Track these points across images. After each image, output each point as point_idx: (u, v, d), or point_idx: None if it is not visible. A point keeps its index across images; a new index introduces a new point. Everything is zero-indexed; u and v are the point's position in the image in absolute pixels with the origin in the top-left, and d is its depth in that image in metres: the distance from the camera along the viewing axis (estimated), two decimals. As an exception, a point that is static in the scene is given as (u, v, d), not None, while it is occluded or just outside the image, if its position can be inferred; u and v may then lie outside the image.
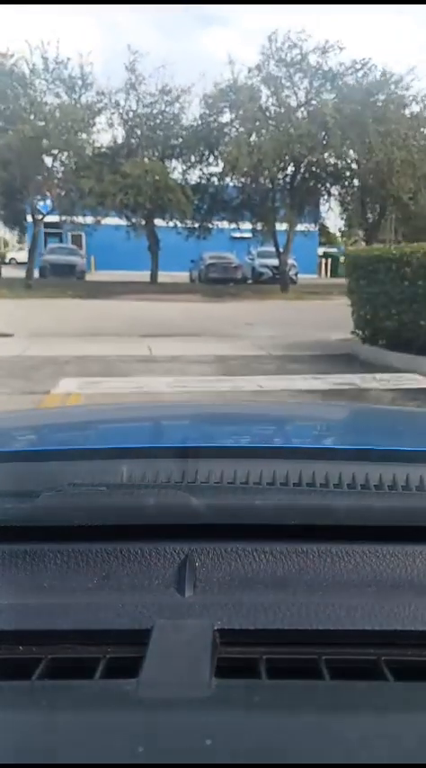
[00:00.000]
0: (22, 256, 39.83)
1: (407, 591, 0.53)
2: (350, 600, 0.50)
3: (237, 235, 25.18)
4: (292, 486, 0.65)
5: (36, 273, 19.90)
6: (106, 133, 17.67)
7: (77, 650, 0.45)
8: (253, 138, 16.26)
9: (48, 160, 17.08)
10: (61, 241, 28.70)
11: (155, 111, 17.70)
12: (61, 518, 0.58)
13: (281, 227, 18.72)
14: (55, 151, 16.65)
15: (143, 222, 18.43)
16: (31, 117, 14.91)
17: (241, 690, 0.40)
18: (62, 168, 17.12)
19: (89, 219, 18.20)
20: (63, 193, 16.88)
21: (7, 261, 37.75)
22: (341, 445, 0.97)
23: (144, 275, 21.32)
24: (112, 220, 18.99)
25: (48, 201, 18.06)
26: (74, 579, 0.53)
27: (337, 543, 0.56)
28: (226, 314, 12.78)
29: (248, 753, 0.35)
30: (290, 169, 17.71)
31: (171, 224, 19.68)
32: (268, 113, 16.83)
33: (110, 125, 17.15)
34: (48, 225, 27.41)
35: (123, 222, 19.64)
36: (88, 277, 23.03)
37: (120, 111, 17.41)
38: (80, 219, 18.45)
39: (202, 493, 0.60)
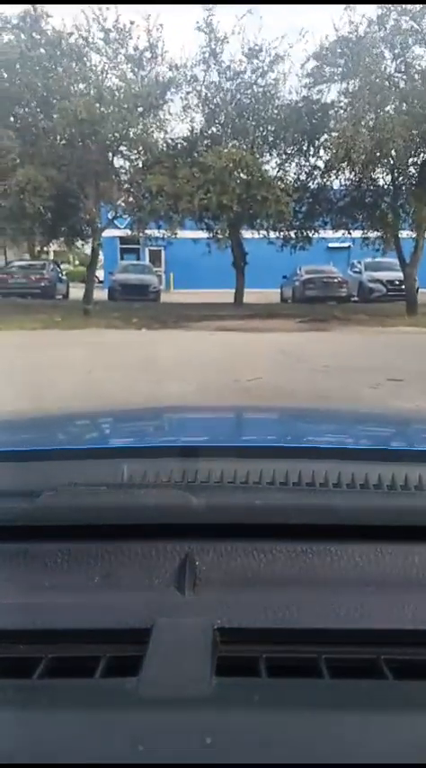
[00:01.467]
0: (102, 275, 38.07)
1: (407, 590, 0.53)
2: (350, 599, 0.50)
3: (335, 245, 20.90)
4: (292, 486, 0.65)
5: (105, 295, 16.84)
6: (181, 122, 13.97)
7: (78, 649, 0.45)
8: (371, 116, 11.90)
9: (117, 161, 13.62)
10: (138, 258, 25.62)
11: (241, 84, 13.32)
12: (61, 518, 0.58)
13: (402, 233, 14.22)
14: (122, 148, 13.16)
15: (227, 232, 14.38)
16: (91, 101, 11.40)
17: (241, 688, 0.40)
18: (128, 165, 13.53)
19: (163, 232, 14.39)
20: (129, 198, 13.26)
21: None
22: (341, 445, 0.96)
23: (226, 294, 17.59)
24: (190, 233, 15.20)
25: (113, 211, 14.64)
26: (74, 578, 0.53)
27: (337, 543, 0.57)
28: (343, 353, 8.64)
29: (248, 751, 0.35)
30: (423, 156, 13.11)
31: (260, 234, 15.66)
32: (393, 82, 12.42)
33: (186, 107, 13.29)
34: (124, 240, 24.49)
35: (203, 234, 15.97)
36: (164, 297, 19.59)
37: (199, 87, 13.41)
38: (155, 232, 14.70)
39: (202, 492, 0.60)
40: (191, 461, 0.71)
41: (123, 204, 13.88)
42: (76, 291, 21.40)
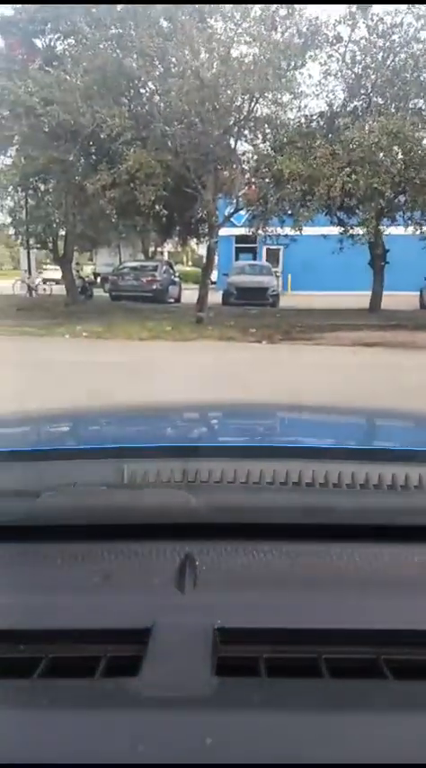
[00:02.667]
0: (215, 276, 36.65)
1: (407, 590, 0.53)
2: (350, 599, 0.50)
3: None
4: (292, 486, 0.65)
5: (218, 297, 15.10)
6: (316, 97, 11.62)
7: (78, 649, 0.45)
8: None
9: (239, 147, 11.63)
10: (255, 258, 23.62)
11: (395, 43, 10.64)
12: (61, 518, 0.58)
13: None
14: (246, 132, 11.14)
15: (372, 224, 11.68)
16: (217, 73, 9.48)
17: (241, 688, 0.40)
18: (251, 150, 11.47)
19: (288, 229, 12.17)
20: (251, 189, 11.21)
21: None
22: (341, 445, 0.96)
23: (353, 298, 15.04)
24: (311, 230, 12.77)
25: (233, 205, 12.68)
26: (74, 578, 0.53)
27: (337, 543, 0.57)
28: None
29: (248, 751, 0.35)
30: None
31: (408, 228, 12.90)
32: None
33: (326, 74, 10.93)
34: (240, 239, 22.66)
35: (332, 230, 13.56)
36: (281, 301, 17.41)
37: (342, 50, 10.99)
38: (278, 230, 12.55)
39: (202, 492, 0.61)
40: (191, 461, 0.71)
41: (244, 196, 11.87)
42: (189, 294, 19.95)
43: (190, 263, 43.05)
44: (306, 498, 0.63)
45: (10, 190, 12.53)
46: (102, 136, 10.13)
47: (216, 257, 20.19)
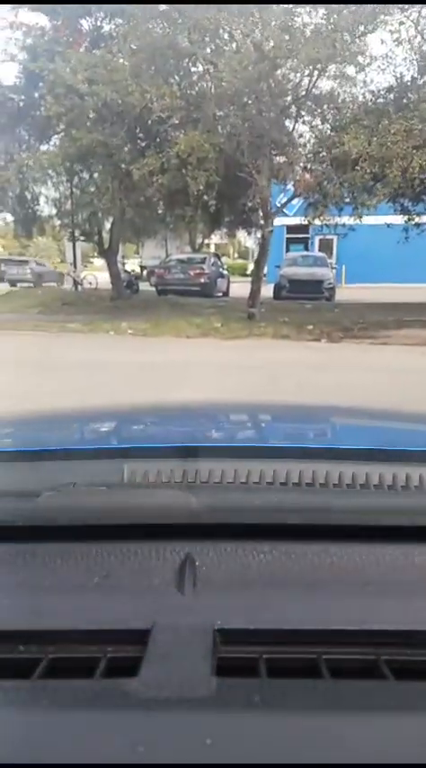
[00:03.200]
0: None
1: (407, 590, 0.52)
2: (350, 599, 0.50)
3: None
4: (292, 486, 0.65)
5: (268, 291, 14.24)
6: (382, 71, 10.52)
7: (77, 650, 0.45)
8: None
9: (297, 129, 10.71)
10: (306, 248, 22.55)
11: None
12: (61, 518, 0.58)
13: None
14: (303, 112, 10.21)
15: None
16: (273, 45, 8.59)
17: (241, 689, 0.40)
18: (309, 132, 10.54)
19: (346, 218, 11.19)
20: (308, 175, 10.30)
21: (248, 273, 33.50)
22: (341, 445, 0.95)
23: (416, 291, 13.82)
24: (371, 218, 11.70)
25: (290, 191, 11.77)
26: (74, 579, 0.53)
27: (337, 543, 0.57)
28: None
29: (248, 752, 0.35)
30: None
31: None
32: None
33: (398, 41, 9.79)
34: (291, 229, 21.67)
35: (396, 219, 12.45)
36: (337, 294, 16.33)
37: (414, 15, 9.77)
38: (336, 219, 11.61)
39: (202, 493, 0.61)
40: (191, 461, 0.71)
41: (301, 182, 10.94)
42: (236, 288, 19.12)
43: (236, 255, 42.14)
44: (306, 498, 0.63)
45: (52, 174, 11.99)
46: (150, 118, 9.41)
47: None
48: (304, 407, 1.47)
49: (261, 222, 11.31)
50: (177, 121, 9.32)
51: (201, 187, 9.17)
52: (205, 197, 9.55)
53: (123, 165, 10.27)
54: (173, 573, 0.53)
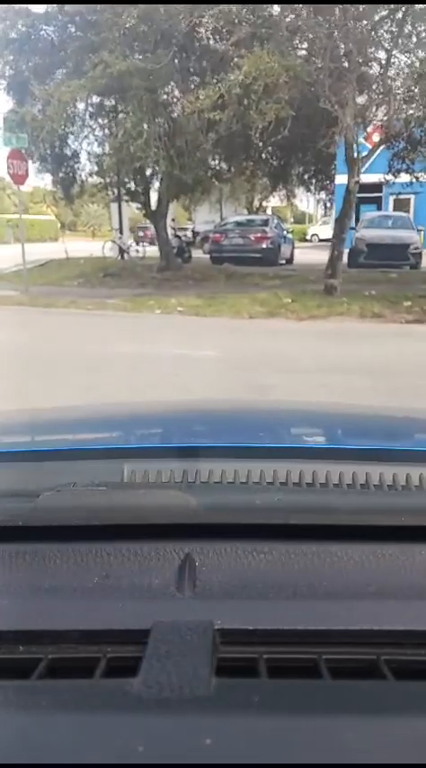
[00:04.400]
0: (326, 231, 32.10)
1: (407, 590, 0.53)
2: (350, 599, 0.51)
3: None
4: (292, 486, 0.65)
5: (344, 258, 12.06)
6: None
7: (77, 650, 0.45)
8: None
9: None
10: (379, 209, 19.84)
11: None
12: (61, 518, 0.58)
13: None
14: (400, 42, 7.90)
15: None
16: None
17: (241, 689, 0.41)
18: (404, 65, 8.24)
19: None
20: (395, 119, 8.08)
21: (308, 237, 30.60)
22: (341, 445, 0.97)
23: None
24: None
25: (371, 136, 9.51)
26: (74, 579, 0.54)
27: (337, 543, 0.57)
28: None
29: (248, 752, 0.35)
30: None
31: None
32: None
33: None
34: (361, 187, 19.15)
35: None
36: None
37: None
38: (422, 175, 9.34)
39: (202, 492, 0.62)
40: (191, 461, 0.71)
41: (386, 126, 8.64)
42: (298, 255, 16.86)
43: (291, 219, 39.24)
44: (306, 498, 0.64)
45: (85, 117, 10.12)
46: (203, 35, 7.33)
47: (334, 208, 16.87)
48: (304, 407, 1.48)
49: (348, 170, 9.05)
50: (240, 37, 7.16)
51: (270, 122, 7.04)
52: (280, 132, 7.31)
53: (167, 98, 8.27)
54: (173, 573, 0.53)
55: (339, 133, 8.07)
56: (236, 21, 7.29)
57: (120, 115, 8.76)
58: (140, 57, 7.91)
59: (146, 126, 7.93)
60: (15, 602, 0.50)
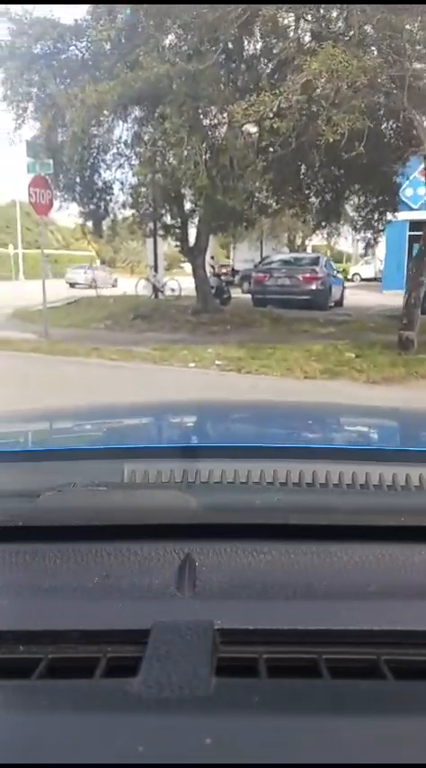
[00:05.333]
0: (368, 271, 30.02)
1: (407, 590, 0.52)
2: (350, 599, 0.50)
3: None
4: (292, 487, 0.65)
5: (387, 299, 10.28)
6: None
7: (77, 650, 0.45)
8: None
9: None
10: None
11: None
12: (61, 518, 0.58)
13: None
14: None
15: None
16: None
17: (241, 689, 0.40)
18: None
19: None
20: None
21: (349, 277, 28.88)
22: (341, 445, 0.95)
23: None
24: None
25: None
26: (74, 579, 0.53)
27: (337, 543, 0.57)
28: None
29: (248, 752, 0.35)
30: None
31: None
32: None
33: None
34: (415, 225, 17.52)
35: None
36: None
37: None
38: None
39: (202, 493, 0.61)
40: (191, 461, 0.71)
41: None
42: (347, 295, 15.21)
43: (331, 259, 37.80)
44: (306, 498, 0.63)
45: (120, 144, 8.87)
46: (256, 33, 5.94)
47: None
48: (304, 407, 1.47)
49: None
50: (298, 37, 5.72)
51: (342, 136, 5.50)
52: (355, 149, 5.72)
53: (211, 108, 6.86)
54: (173, 573, 0.53)
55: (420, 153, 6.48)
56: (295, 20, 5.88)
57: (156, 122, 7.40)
58: (182, 60, 6.55)
59: (185, 135, 6.52)
60: (15, 602, 0.50)
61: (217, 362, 6.74)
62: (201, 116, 7.31)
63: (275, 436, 1.11)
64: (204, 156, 7.09)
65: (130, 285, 16.99)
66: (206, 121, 7.47)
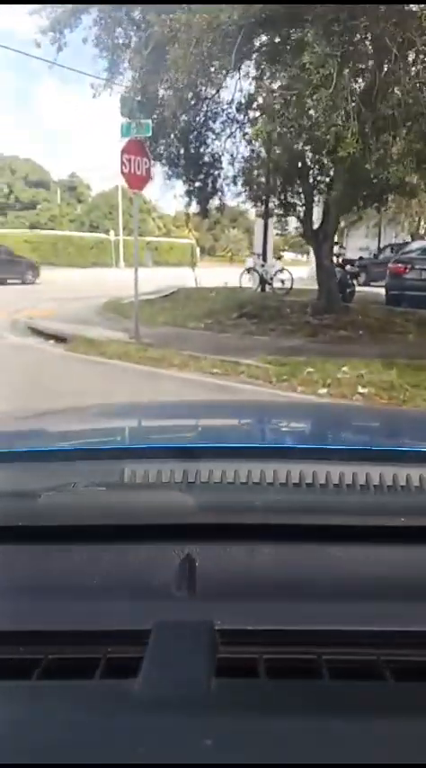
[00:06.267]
0: None
1: (407, 591, 0.52)
2: (350, 599, 0.51)
3: None
4: (292, 486, 0.65)
5: None
6: None
7: (77, 650, 0.45)
8: None
9: None
10: None
11: None
12: (61, 518, 0.58)
13: None
14: None
15: None
16: None
17: (241, 690, 0.41)
18: None
19: None
20: None
21: None
22: (342, 445, 0.94)
23: None
24: None
25: None
26: (74, 579, 0.53)
27: (337, 543, 0.57)
28: None
29: (248, 753, 0.35)
30: None
31: None
32: None
33: None
34: None
35: None
36: None
37: None
38: None
39: (202, 493, 0.61)
40: (191, 461, 0.70)
41: None
42: None
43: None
44: (306, 499, 0.63)
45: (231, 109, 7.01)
46: None
47: None
48: (304, 407, 1.47)
49: None
50: None
51: None
52: None
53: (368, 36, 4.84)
54: (173, 573, 0.53)
55: None
56: None
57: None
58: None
59: (333, 71, 4.50)
60: (15, 602, 0.50)
61: (360, 390, 4.76)
62: (353, 45, 5.21)
63: (275, 436, 1.12)
64: (352, 104, 5.04)
65: (228, 275, 15.18)
66: (360, 57, 5.37)
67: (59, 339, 7.55)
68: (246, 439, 1.03)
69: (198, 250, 36.71)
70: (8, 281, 17.78)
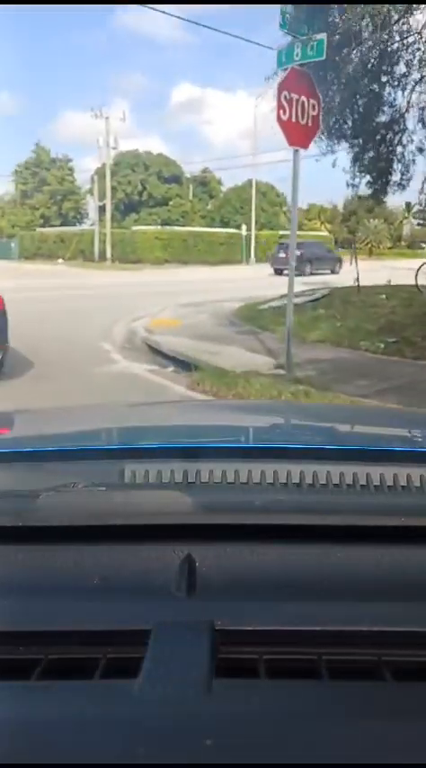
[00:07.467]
0: None
1: (407, 591, 0.52)
2: (350, 600, 0.50)
3: None
4: (292, 487, 0.65)
5: None
6: None
7: (77, 650, 0.45)
8: None
9: None
10: None
11: None
12: (61, 518, 0.58)
13: None
14: None
15: None
16: None
17: (241, 690, 0.41)
18: None
19: None
20: None
21: None
22: (341, 445, 0.94)
23: None
24: None
25: None
26: (74, 579, 0.53)
27: (337, 543, 0.56)
28: None
29: (248, 753, 0.35)
30: None
31: None
32: None
33: None
34: None
35: None
36: None
37: None
38: None
39: (202, 493, 0.62)
40: (191, 461, 0.70)
41: None
42: None
43: None
44: (306, 498, 0.63)
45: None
46: None
47: None
48: (304, 408, 1.48)
49: None
50: None
51: None
52: None
53: None
54: (173, 573, 0.52)
55: None
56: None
57: None
58: None
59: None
60: (15, 602, 0.50)
61: None
62: None
63: (275, 436, 1.10)
64: None
65: (378, 271, 12.17)
66: None
67: (180, 362, 5.59)
68: (246, 439, 1.04)
69: (332, 242, 33.53)
70: (319, 271, 21.14)
